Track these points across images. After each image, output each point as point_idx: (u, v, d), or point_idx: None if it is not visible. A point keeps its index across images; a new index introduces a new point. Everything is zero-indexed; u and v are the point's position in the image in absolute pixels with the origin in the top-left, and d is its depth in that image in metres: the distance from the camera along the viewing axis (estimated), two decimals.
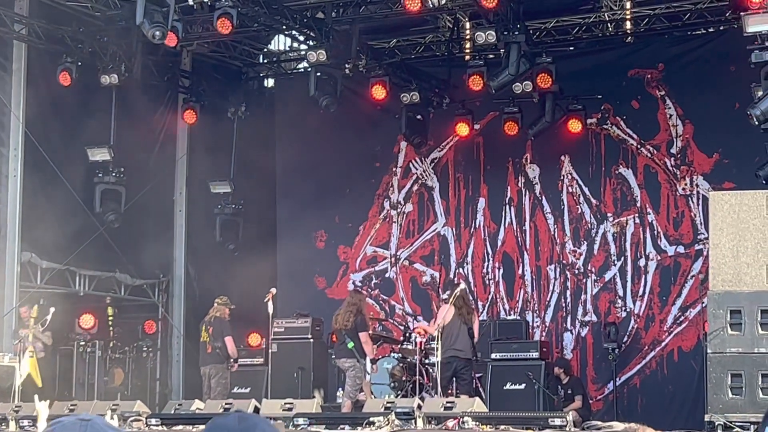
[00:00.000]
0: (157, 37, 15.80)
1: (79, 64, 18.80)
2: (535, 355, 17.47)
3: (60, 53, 18.75)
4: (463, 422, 12.41)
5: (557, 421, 12.10)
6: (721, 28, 19.27)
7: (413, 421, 12.78)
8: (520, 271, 20.38)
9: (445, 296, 17.20)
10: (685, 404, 18.23)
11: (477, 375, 17.12)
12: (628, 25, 20.04)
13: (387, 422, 12.61)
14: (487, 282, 20.54)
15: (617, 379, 18.87)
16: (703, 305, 16.53)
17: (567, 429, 11.95)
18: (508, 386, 17.08)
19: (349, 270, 21.54)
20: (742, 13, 16.03)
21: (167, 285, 21.44)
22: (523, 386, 16.98)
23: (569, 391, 17.73)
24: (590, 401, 18.46)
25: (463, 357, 15.90)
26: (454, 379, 15.93)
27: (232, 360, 17.99)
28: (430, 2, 16.23)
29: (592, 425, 12.60)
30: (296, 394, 16.83)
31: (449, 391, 15.85)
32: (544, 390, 16.87)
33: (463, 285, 17.09)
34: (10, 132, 18.57)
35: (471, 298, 17.50)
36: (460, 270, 20.71)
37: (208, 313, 18.22)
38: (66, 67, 18.61)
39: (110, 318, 20.58)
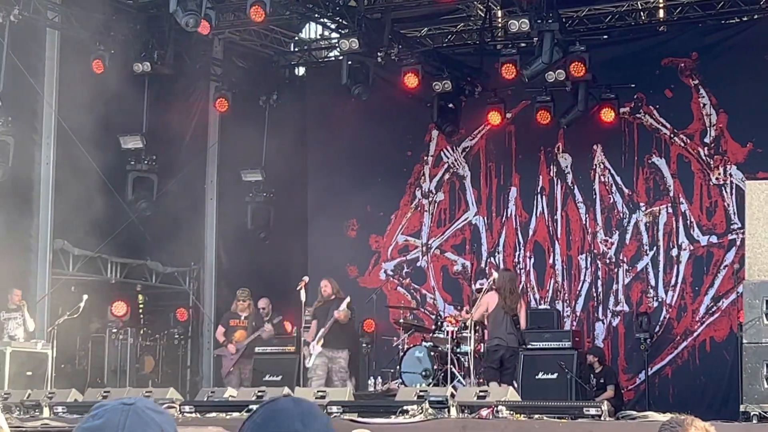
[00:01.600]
0: (190, 25, 15.80)
1: (112, 52, 18.80)
2: (568, 344, 17.37)
3: (93, 41, 18.77)
4: (497, 411, 12.37)
5: (592, 411, 12.04)
6: (756, 16, 19.11)
7: (446, 409, 12.76)
8: (551, 261, 20.31)
9: (478, 286, 17.21)
10: (717, 394, 18.13)
11: None
12: (662, 13, 19.93)
13: (420, 411, 12.58)
14: (518, 271, 20.45)
15: (649, 369, 18.79)
16: (738, 294, 16.43)
17: (602, 418, 11.90)
18: (540, 376, 17.00)
19: (381, 259, 21.52)
20: None
21: (198, 273, 21.48)
22: (555, 376, 16.90)
23: (602, 381, 17.65)
24: (622, 391, 18.40)
25: (506, 345, 15.97)
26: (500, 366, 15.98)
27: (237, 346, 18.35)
28: None
29: (627, 415, 12.52)
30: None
31: (480, 379, 15.86)
32: (576, 380, 16.81)
33: (511, 273, 17.19)
34: (43, 120, 18.66)
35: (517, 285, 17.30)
36: (491, 259, 20.67)
37: None
38: (99, 55, 18.62)
39: (140, 306, 20.68)
